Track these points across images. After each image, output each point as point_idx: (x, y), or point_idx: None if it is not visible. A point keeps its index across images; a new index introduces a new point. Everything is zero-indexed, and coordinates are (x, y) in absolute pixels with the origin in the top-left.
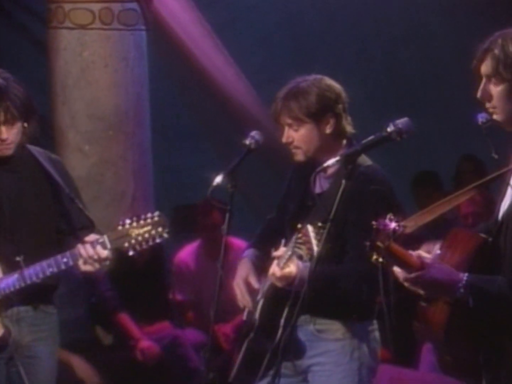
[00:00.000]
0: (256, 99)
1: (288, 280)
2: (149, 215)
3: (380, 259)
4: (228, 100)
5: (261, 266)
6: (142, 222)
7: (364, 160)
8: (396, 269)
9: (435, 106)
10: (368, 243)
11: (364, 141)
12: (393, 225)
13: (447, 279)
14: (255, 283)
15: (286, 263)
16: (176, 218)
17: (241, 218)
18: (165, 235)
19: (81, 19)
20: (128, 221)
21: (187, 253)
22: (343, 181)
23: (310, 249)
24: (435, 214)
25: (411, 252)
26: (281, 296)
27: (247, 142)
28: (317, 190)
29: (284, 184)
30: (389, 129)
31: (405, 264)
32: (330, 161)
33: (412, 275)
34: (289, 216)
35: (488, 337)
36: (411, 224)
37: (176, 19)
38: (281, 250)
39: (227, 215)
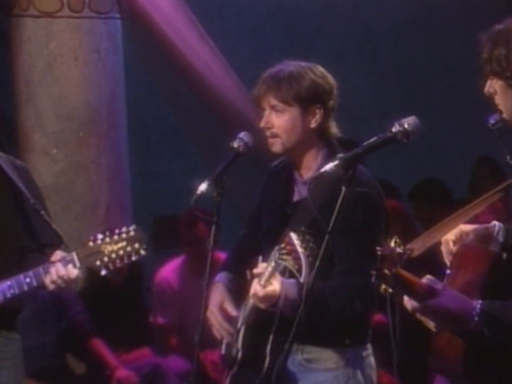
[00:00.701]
0: (246, 96)
1: (272, 299)
2: (124, 229)
3: (390, 289)
4: (214, 97)
5: (236, 290)
6: (116, 237)
7: None
8: (405, 299)
9: (446, 102)
10: (374, 272)
11: (365, 143)
12: (399, 249)
13: (459, 308)
14: (232, 310)
15: (268, 281)
16: (157, 231)
17: (229, 229)
18: (142, 252)
19: (47, 6)
20: (100, 236)
21: (169, 270)
22: (343, 188)
23: (296, 258)
24: (446, 231)
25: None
26: (265, 321)
27: (235, 144)
28: (296, 197)
29: (257, 194)
30: (394, 129)
31: (414, 292)
32: (328, 166)
33: (421, 304)
34: (266, 229)
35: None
36: (419, 246)
37: (155, 6)
38: (261, 267)
39: (213, 227)
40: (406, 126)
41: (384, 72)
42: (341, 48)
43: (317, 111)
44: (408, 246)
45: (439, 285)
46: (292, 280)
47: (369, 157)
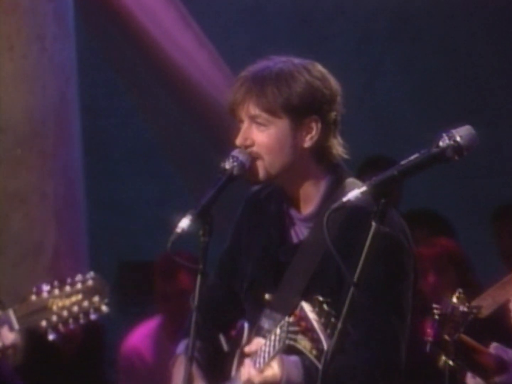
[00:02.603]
0: None
1: None
2: (78, 277)
3: (450, 362)
4: (201, 101)
5: (208, 364)
6: (68, 288)
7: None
8: (468, 376)
9: (510, 108)
10: (430, 339)
11: (403, 162)
12: (463, 307)
13: None
14: None
15: (268, 363)
16: (122, 280)
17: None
18: (104, 309)
19: None
20: (46, 288)
21: (140, 336)
22: (373, 224)
23: (315, 340)
24: None
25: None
26: None
27: (227, 165)
28: (293, 239)
29: (230, 230)
30: (442, 144)
31: (479, 365)
32: (352, 194)
33: (489, 382)
34: (249, 280)
35: None
36: (488, 303)
37: None
38: (256, 343)
39: (199, 278)
40: (458, 139)
41: (426, 67)
42: (368, 34)
43: (313, 124)
44: (474, 304)
45: (510, 355)
46: (294, 358)
47: (409, 180)
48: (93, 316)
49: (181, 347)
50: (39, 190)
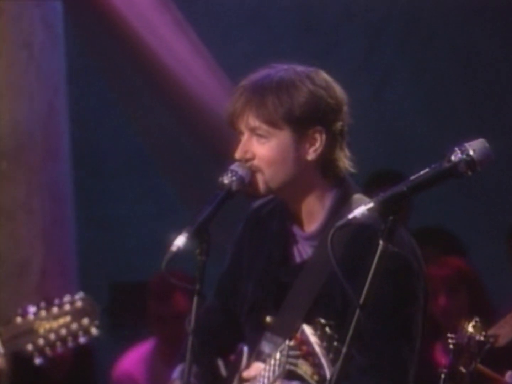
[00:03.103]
0: None
1: None
2: (67, 298)
3: None
4: (197, 112)
5: None
6: (55, 310)
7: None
8: None
9: None
10: (444, 370)
11: (413, 177)
12: (479, 337)
13: None
14: None
15: None
16: (114, 302)
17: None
18: (94, 332)
19: None
20: (32, 310)
21: (133, 360)
22: (381, 242)
23: (316, 365)
24: None
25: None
26: None
27: (226, 180)
28: (296, 259)
29: (230, 248)
30: (454, 158)
31: None
32: (358, 211)
33: None
34: (250, 302)
35: None
36: (505, 330)
37: None
38: (255, 368)
39: (195, 299)
40: (471, 153)
41: (439, 75)
42: (377, 41)
43: (317, 136)
44: (491, 332)
45: None
46: (295, 383)
47: (419, 196)
48: (82, 339)
49: (177, 372)
50: (26, 206)
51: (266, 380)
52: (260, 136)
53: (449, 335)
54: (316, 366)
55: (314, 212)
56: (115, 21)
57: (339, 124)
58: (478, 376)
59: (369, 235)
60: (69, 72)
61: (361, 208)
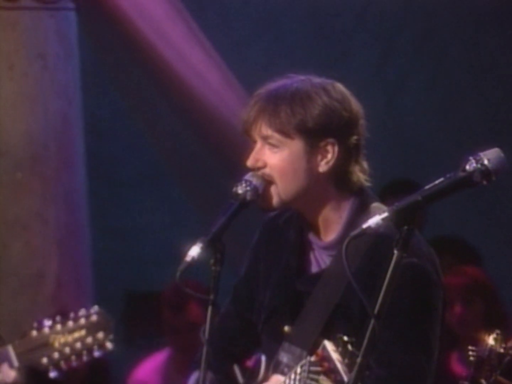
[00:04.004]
0: None
1: None
2: (82, 312)
3: None
4: (211, 122)
5: None
6: (71, 324)
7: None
8: None
9: None
10: (464, 383)
11: (428, 187)
12: (499, 349)
13: None
14: None
15: None
16: (129, 312)
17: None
18: (108, 346)
19: None
20: (47, 323)
21: (147, 370)
22: (395, 252)
23: (339, 382)
24: None
25: None
26: None
27: (240, 190)
28: (314, 268)
29: (246, 257)
30: (468, 167)
31: None
32: (372, 220)
33: None
34: (267, 311)
35: None
36: None
37: None
38: (275, 381)
39: (210, 309)
40: (485, 162)
41: (453, 84)
42: (391, 49)
43: (329, 148)
44: (510, 344)
45: None
46: None
47: (435, 206)
48: (97, 353)
49: (192, 380)
50: (41, 217)
51: None
52: (272, 145)
53: (470, 347)
54: (338, 383)
55: (331, 222)
56: (129, 32)
57: (353, 138)
58: None
59: (387, 245)
60: (83, 83)
61: (375, 218)
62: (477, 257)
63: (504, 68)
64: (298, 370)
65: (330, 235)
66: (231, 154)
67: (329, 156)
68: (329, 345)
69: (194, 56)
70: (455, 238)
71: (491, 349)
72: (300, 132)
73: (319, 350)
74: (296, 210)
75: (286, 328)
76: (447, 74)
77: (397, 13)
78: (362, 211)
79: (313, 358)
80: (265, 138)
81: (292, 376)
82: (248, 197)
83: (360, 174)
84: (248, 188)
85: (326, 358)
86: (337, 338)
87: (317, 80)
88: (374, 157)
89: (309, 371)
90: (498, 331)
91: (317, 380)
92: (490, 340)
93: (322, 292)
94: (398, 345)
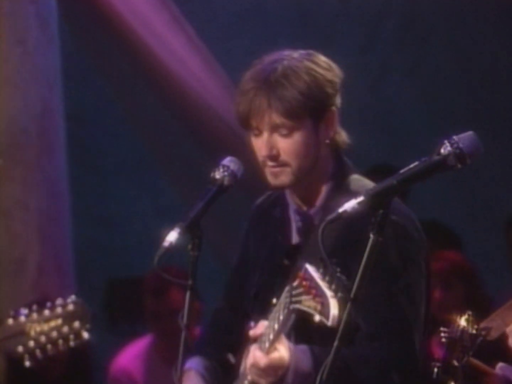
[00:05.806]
0: None
1: (278, 371)
2: (59, 301)
3: None
4: (195, 109)
5: (215, 382)
6: (47, 312)
7: (366, 183)
8: None
9: None
10: (437, 364)
11: (403, 170)
12: (471, 330)
13: None
14: None
15: (273, 345)
16: (112, 299)
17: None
18: (85, 335)
19: None
20: (24, 312)
21: (129, 357)
22: (371, 236)
23: (318, 295)
24: None
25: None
26: None
27: (217, 175)
28: (294, 240)
29: (238, 248)
30: (443, 151)
31: None
32: (349, 205)
33: None
34: (255, 288)
35: None
36: (497, 324)
37: None
38: (261, 326)
39: (187, 294)
40: (460, 145)
41: (436, 70)
42: (374, 35)
43: (333, 116)
44: (482, 325)
45: None
46: (303, 347)
47: (415, 190)
48: (72, 343)
49: (191, 363)
50: (22, 204)
51: (271, 331)
52: (281, 132)
53: (441, 329)
54: (319, 296)
55: (317, 192)
56: (111, 18)
57: (339, 99)
58: (471, 369)
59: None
60: (64, 69)
61: (351, 202)
62: (458, 242)
63: (487, 54)
64: (283, 299)
65: (313, 206)
66: (214, 141)
67: (334, 122)
68: (310, 267)
69: (177, 43)
70: (435, 223)
71: (463, 330)
72: (309, 110)
73: (301, 273)
74: (297, 186)
75: (274, 301)
76: (429, 60)
77: (380, 0)
78: (342, 182)
79: (295, 283)
80: (276, 127)
81: (276, 309)
82: (226, 182)
83: (342, 133)
84: (225, 173)
85: (307, 278)
86: (318, 260)
87: (295, 54)
88: (357, 141)
89: (292, 295)
90: (469, 312)
91: (300, 302)
92: (462, 321)
93: (304, 260)
94: (384, 300)
